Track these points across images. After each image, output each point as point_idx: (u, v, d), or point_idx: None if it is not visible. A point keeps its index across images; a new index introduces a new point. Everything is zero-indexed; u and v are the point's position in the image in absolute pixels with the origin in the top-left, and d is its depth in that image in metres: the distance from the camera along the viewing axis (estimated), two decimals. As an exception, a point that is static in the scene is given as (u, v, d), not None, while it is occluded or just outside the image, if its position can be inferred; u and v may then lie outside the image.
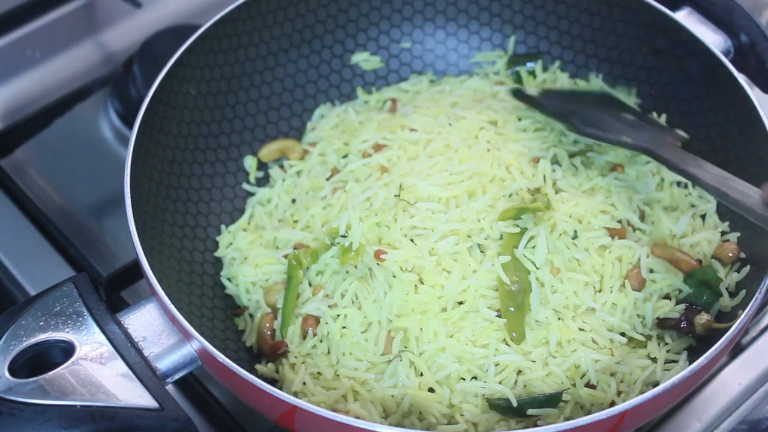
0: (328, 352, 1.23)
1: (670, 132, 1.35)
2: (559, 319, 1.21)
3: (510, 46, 1.52)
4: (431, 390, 1.19)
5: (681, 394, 1.21)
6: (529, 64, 1.50)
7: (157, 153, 1.31)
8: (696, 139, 1.36)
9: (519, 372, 1.19)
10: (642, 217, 1.30)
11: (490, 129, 1.37)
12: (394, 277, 1.22)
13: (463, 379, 1.19)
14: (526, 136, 1.36)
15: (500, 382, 1.18)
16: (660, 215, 1.30)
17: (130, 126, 1.32)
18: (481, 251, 1.24)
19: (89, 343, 1.08)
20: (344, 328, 1.23)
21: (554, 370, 1.18)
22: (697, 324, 1.20)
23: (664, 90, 1.42)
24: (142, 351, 1.10)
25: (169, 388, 1.10)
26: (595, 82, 1.47)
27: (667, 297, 1.25)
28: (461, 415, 1.17)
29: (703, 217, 1.32)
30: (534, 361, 1.19)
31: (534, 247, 1.22)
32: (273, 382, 1.23)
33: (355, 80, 1.52)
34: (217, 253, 1.35)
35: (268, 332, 1.27)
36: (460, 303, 1.21)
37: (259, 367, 1.25)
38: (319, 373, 1.22)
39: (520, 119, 1.39)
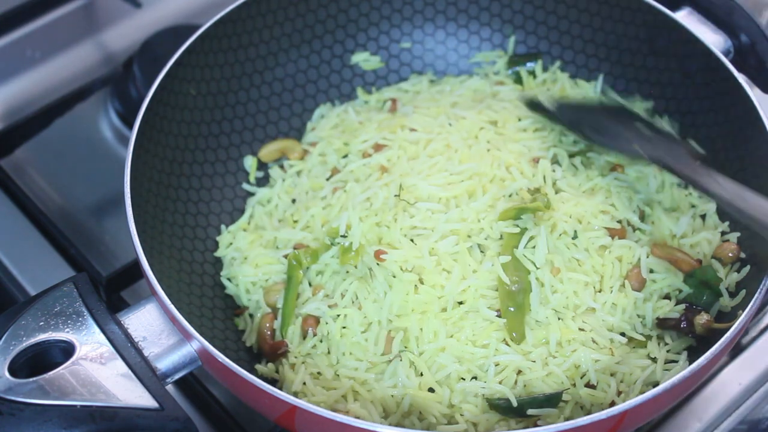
0: (328, 352, 1.23)
1: (684, 145, 1.35)
2: (559, 319, 1.21)
3: (510, 46, 1.52)
4: (431, 390, 1.19)
5: (681, 394, 1.21)
6: (529, 64, 1.50)
7: (157, 153, 1.31)
8: (696, 140, 1.37)
9: (519, 372, 1.19)
10: (642, 217, 1.30)
11: (490, 129, 1.37)
12: (394, 277, 1.22)
13: (463, 379, 1.19)
14: (526, 136, 1.36)
15: (500, 382, 1.18)
16: (660, 215, 1.30)
17: (130, 126, 1.32)
18: (481, 251, 1.24)
19: (89, 343, 1.08)
20: (344, 328, 1.23)
21: (554, 370, 1.18)
22: (697, 324, 1.20)
23: (664, 90, 1.42)
24: (142, 351, 1.10)
25: (169, 388, 1.10)
26: (600, 88, 1.46)
27: (667, 297, 1.25)
28: (461, 415, 1.17)
29: (703, 217, 1.32)
30: (534, 361, 1.18)
31: (534, 247, 1.22)
32: (273, 382, 1.23)
33: (355, 80, 1.52)
34: (217, 253, 1.35)
35: (268, 332, 1.27)
36: (460, 303, 1.21)
37: (259, 367, 1.25)
38: (319, 373, 1.22)
39: (520, 119, 1.39)
